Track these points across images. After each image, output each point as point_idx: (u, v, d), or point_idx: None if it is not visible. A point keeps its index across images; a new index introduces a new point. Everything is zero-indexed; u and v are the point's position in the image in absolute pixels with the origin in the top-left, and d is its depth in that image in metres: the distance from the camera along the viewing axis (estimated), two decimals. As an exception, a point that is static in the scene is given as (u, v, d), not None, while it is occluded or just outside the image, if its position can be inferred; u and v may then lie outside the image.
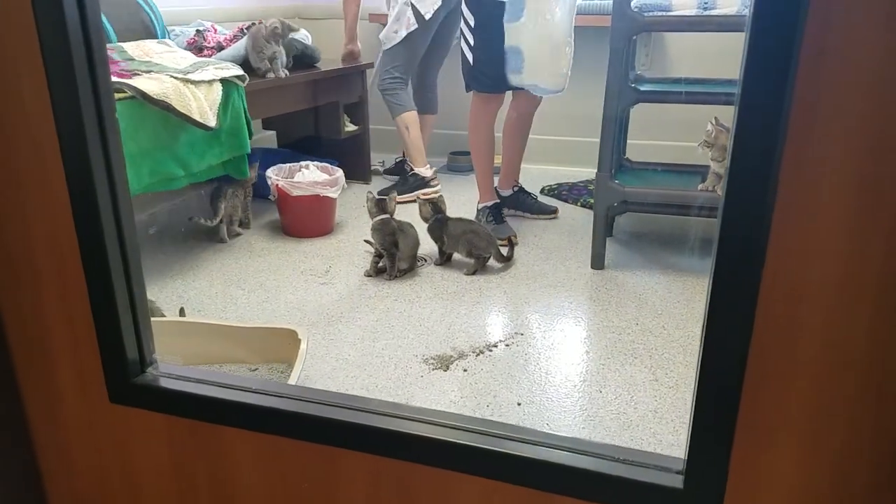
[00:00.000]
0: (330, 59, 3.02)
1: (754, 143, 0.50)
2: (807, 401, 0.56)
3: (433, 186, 2.98)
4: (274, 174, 2.56)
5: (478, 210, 2.61)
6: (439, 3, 2.79)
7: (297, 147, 3.20)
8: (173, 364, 0.84)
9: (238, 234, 2.54)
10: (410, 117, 2.94)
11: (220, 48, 2.50)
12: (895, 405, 0.56)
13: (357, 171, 3.13)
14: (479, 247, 2.24)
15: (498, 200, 2.62)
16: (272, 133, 3.40)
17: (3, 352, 0.83)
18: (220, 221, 2.44)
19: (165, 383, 0.81)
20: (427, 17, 2.80)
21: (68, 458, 0.87)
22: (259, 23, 2.65)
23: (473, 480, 0.74)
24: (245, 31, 2.58)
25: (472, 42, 2.40)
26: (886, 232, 0.51)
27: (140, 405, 0.81)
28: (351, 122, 3.05)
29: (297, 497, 0.81)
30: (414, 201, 2.47)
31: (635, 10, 2.00)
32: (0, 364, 0.83)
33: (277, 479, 0.81)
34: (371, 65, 3.10)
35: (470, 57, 2.42)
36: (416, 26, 2.81)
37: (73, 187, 0.75)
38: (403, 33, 2.83)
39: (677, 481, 0.65)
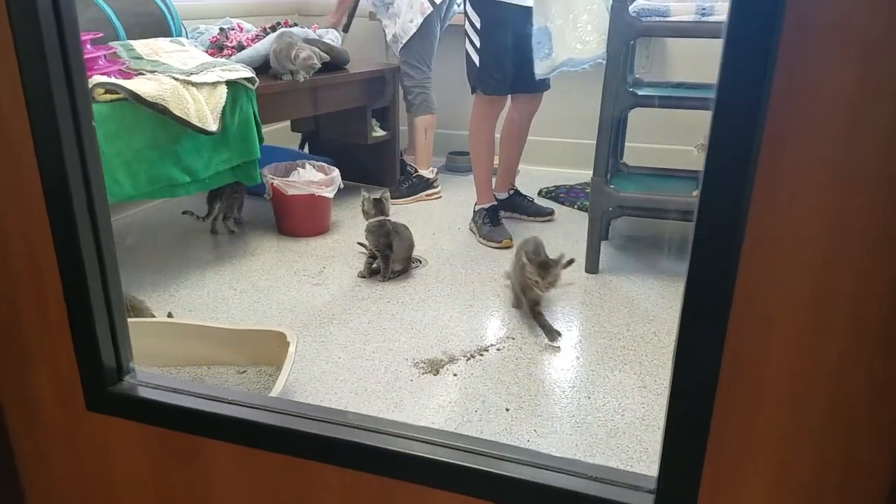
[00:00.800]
0: (357, 61, 2.96)
1: (725, 175, 0.50)
2: (775, 430, 0.56)
3: (435, 188, 2.98)
4: (270, 172, 2.55)
5: (475, 212, 2.61)
6: None
7: (321, 151, 3.16)
8: (149, 371, 0.84)
9: (232, 233, 2.54)
10: (432, 120, 2.94)
11: (241, 48, 2.48)
12: (864, 437, 0.55)
13: (385, 177, 3.07)
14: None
15: (495, 203, 2.61)
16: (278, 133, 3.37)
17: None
18: (213, 218, 2.46)
19: (142, 392, 0.81)
20: (438, 0, 2.81)
21: (47, 465, 0.87)
22: (286, 24, 2.62)
23: (450, 497, 0.74)
24: (268, 30, 2.56)
25: (478, 44, 2.38)
26: (854, 262, 0.51)
27: (117, 414, 0.81)
28: (380, 126, 3.00)
29: (274, 508, 0.81)
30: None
31: (633, 14, 1.99)
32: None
33: (254, 491, 0.81)
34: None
35: (476, 59, 2.41)
36: (431, 9, 2.81)
37: (50, 195, 0.74)
38: (420, 20, 2.81)
39: (648, 501, 0.65)
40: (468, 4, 2.38)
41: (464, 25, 2.44)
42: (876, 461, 0.55)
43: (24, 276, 0.79)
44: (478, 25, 2.36)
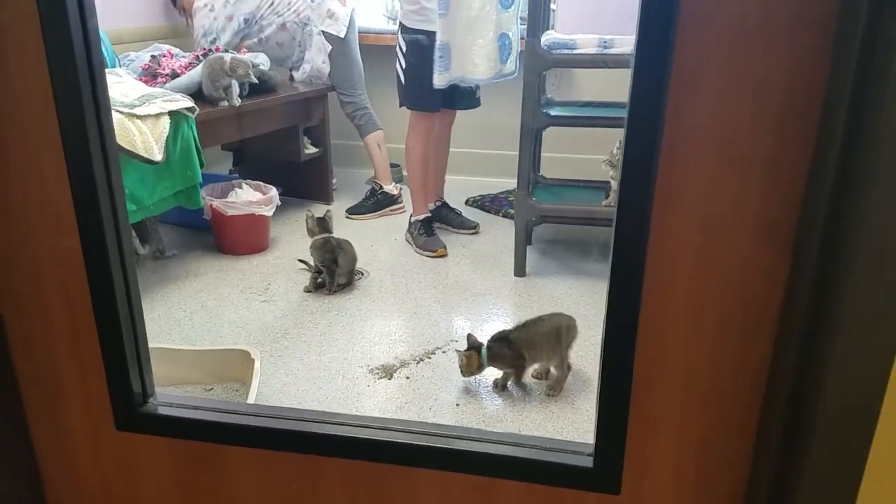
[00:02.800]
0: (289, 84, 3.09)
1: (629, 232, 0.72)
2: (676, 400, 0.79)
3: (399, 203, 3.13)
4: (207, 193, 2.62)
5: (410, 223, 2.79)
6: (349, 19, 3.01)
7: (252, 169, 3.23)
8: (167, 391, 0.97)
9: (173, 255, 2.59)
10: (381, 135, 3.12)
11: (175, 75, 2.53)
12: (734, 402, 0.79)
13: (318, 191, 3.22)
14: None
15: (429, 214, 2.80)
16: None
17: (12, 388, 0.94)
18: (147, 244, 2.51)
19: (166, 410, 0.95)
20: (342, 35, 3.00)
21: (75, 483, 0.99)
22: (216, 50, 2.70)
23: (432, 474, 0.93)
24: (201, 57, 2.62)
25: (403, 65, 2.64)
26: (718, 287, 0.75)
27: (145, 431, 0.94)
28: (311, 144, 3.13)
29: (287, 501, 0.97)
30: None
31: (544, 48, 2.25)
32: (9, 399, 0.94)
33: (268, 487, 0.96)
34: (332, 88, 3.15)
35: (402, 77, 2.66)
36: (331, 47, 3.01)
37: (85, 235, 0.86)
38: (327, 66, 3.04)
39: (588, 462, 0.86)
40: (399, 31, 2.63)
41: (395, 48, 2.68)
42: (744, 420, 0.79)
43: (59, 311, 0.90)
44: (404, 49, 2.63)
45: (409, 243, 2.76)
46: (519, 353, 1.76)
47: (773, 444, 0.74)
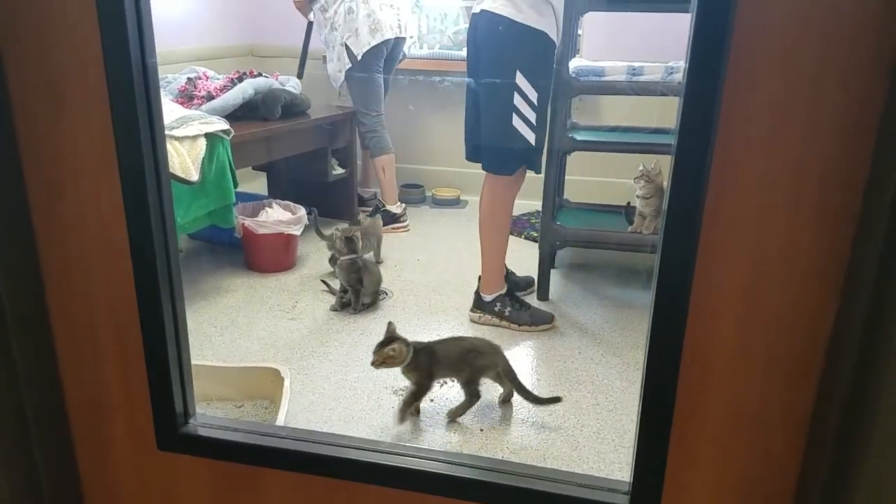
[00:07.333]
0: (317, 107, 3.15)
1: (673, 269, 0.73)
2: (717, 434, 0.80)
3: (402, 222, 3.19)
4: (238, 212, 2.68)
5: (486, 302, 2.29)
6: (372, 44, 2.99)
7: (282, 188, 3.29)
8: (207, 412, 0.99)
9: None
10: (389, 160, 3.17)
11: (211, 97, 2.59)
12: (778, 439, 0.79)
13: (343, 211, 3.30)
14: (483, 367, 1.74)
15: (507, 285, 2.35)
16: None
17: (61, 410, 0.97)
18: None
19: (207, 431, 0.97)
20: (359, 56, 2.99)
21: (115, 501, 1.01)
22: (251, 74, 2.76)
23: (465, 504, 0.94)
24: (235, 80, 2.69)
25: (532, 120, 2.08)
26: (764, 324, 0.75)
27: (185, 451, 0.96)
28: (338, 165, 3.21)
29: (320, 524, 0.98)
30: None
31: (573, 75, 2.27)
32: (57, 421, 0.97)
33: (303, 510, 0.98)
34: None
35: (531, 137, 2.09)
36: (350, 65, 3.01)
37: (137, 262, 0.89)
38: (341, 76, 3.06)
39: (625, 500, 0.87)
40: (521, 76, 2.05)
41: (512, 100, 2.07)
42: (789, 459, 0.79)
43: (108, 335, 0.93)
44: (534, 100, 2.06)
45: (497, 325, 2.30)
46: (431, 372, 1.72)
47: (818, 485, 0.74)
